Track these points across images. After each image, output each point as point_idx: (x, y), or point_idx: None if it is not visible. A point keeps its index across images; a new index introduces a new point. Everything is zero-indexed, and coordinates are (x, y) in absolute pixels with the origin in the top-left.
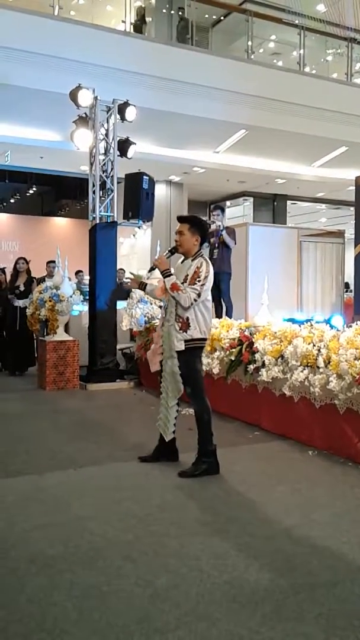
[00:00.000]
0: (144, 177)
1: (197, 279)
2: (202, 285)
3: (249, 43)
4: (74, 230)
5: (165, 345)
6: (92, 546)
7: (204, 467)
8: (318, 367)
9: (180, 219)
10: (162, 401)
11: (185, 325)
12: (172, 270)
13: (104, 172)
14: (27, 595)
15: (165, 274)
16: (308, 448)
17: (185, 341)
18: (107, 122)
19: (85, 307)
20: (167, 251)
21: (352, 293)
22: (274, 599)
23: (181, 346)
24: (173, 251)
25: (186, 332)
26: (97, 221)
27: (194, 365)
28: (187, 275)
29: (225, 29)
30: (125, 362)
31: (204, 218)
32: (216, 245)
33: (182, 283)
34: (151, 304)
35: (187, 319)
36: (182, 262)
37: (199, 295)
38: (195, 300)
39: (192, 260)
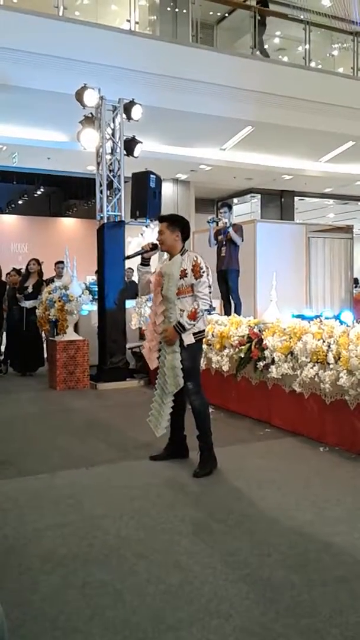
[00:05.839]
0: (151, 175)
1: (201, 270)
2: (208, 275)
3: (254, 39)
4: (82, 230)
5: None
6: (104, 544)
7: (212, 463)
8: (328, 363)
9: (159, 219)
10: (156, 397)
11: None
12: (178, 313)
13: (110, 171)
14: (41, 593)
15: (180, 329)
16: (319, 444)
17: (194, 334)
18: (113, 121)
19: (94, 307)
20: (150, 246)
21: None
22: (288, 596)
23: (191, 339)
24: (154, 247)
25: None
26: (105, 221)
27: (198, 359)
28: (185, 269)
29: (230, 26)
30: (134, 361)
31: (211, 216)
32: (223, 242)
33: (182, 278)
34: None
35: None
36: (169, 259)
37: (210, 286)
38: (210, 292)
39: (182, 255)
